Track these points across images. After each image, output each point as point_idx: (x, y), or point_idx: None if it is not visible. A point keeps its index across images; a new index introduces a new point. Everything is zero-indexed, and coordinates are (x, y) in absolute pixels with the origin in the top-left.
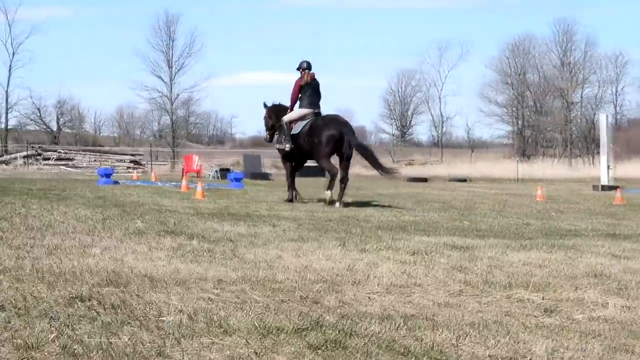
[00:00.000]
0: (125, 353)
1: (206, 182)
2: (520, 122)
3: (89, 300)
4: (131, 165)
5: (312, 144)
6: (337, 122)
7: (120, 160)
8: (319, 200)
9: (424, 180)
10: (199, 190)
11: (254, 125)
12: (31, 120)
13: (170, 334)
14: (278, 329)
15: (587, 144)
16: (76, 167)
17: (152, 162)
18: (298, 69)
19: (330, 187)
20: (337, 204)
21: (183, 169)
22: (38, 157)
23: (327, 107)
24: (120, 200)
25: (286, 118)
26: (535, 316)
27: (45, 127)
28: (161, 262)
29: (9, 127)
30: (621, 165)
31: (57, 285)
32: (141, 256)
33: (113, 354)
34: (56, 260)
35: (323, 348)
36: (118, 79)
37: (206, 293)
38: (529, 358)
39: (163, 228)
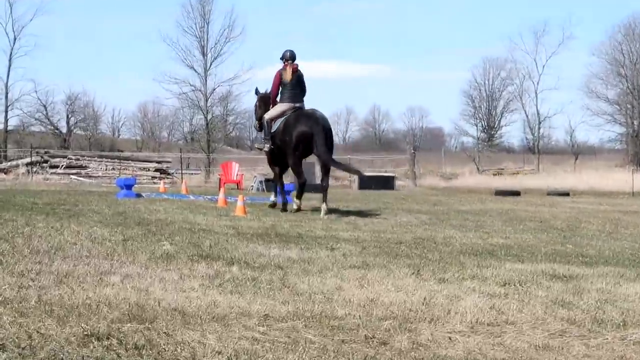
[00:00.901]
0: None
1: (248, 196)
2: (636, 123)
3: (107, 339)
4: (157, 174)
5: (285, 143)
6: (310, 118)
7: (144, 169)
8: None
9: (516, 193)
10: (239, 205)
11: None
12: (36, 119)
13: None
14: None
15: None
16: (90, 177)
17: (183, 171)
18: (282, 59)
19: (298, 195)
20: (322, 212)
21: (220, 180)
22: (44, 164)
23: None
24: (144, 217)
25: (267, 115)
26: None
27: (52, 128)
28: (195, 293)
29: (9, 127)
30: None
31: (68, 320)
32: (170, 286)
33: None
34: (67, 291)
35: None
36: (141, 70)
37: (250, 331)
38: None
39: (197, 251)
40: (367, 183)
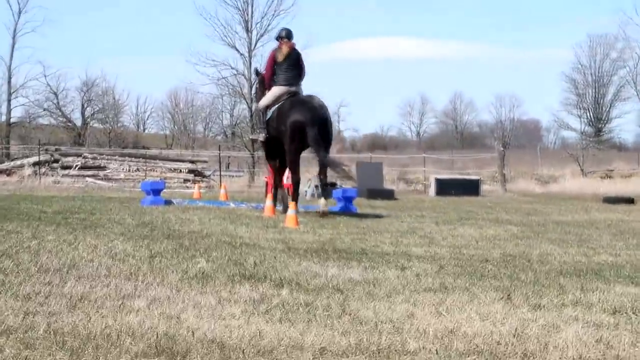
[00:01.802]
0: None
1: (301, 203)
2: None
3: None
4: (190, 177)
5: (280, 133)
6: (305, 106)
7: (175, 170)
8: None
9: (629, 201)
10: (290, 214)
11: (371, 117)
12: (44, 110)
13: None
14: None
15: None
16: (110, 180)
17: (222, 173)
18: (277, 38)
19: (294, 197)
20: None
21: (267, 184)
22: (54, 164)
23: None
24: (175, 228)
25: (261, 102)
26: None
27: (64, 120)
28: (236, 322)
29: (12, 120)
30: None
31: (83, 354)
32: (206, 312)
33: None
34: (82, 318)
35: None
36: (171, 50)
37: None
38: None
39: (238, 270)
40: (445, 188)
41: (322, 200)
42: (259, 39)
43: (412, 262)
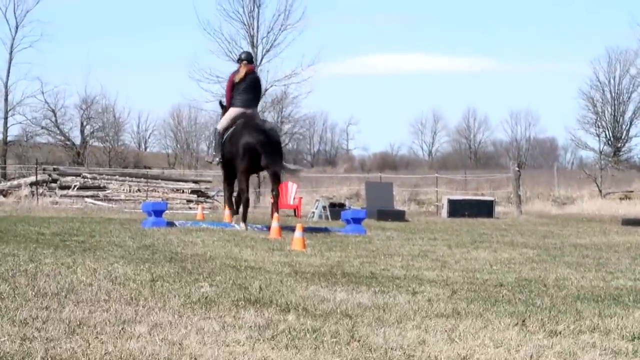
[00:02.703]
0: None
1: (309, 224)
2: None
3: None
4: (194, 197)
5: (232, 155)
6: (257, 129)
7: (177, 190)
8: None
9: None
10: (297, 236)
11: (381, 135)
12: (42, 128)
13: None
14: None
15: None
16: (110, 201)
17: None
18: (237, 60)
19: (243, 217)
20: (241, 225)
21: (273, 204)
22: (52, 184)
23: (496, 108)
24: (177, 251)
25: (219, 124)
26: None
27: (63, 139)
28: (240, 348)
29: (9, 138)
30: None
31: None
32: (210, 338)
33: None
34: (81, 344)
35: None
36: (173, 66)
37: None
38: None
39: (243, 295)
40: (458, 209)
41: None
42: (265, 55)
43: (423, 286)
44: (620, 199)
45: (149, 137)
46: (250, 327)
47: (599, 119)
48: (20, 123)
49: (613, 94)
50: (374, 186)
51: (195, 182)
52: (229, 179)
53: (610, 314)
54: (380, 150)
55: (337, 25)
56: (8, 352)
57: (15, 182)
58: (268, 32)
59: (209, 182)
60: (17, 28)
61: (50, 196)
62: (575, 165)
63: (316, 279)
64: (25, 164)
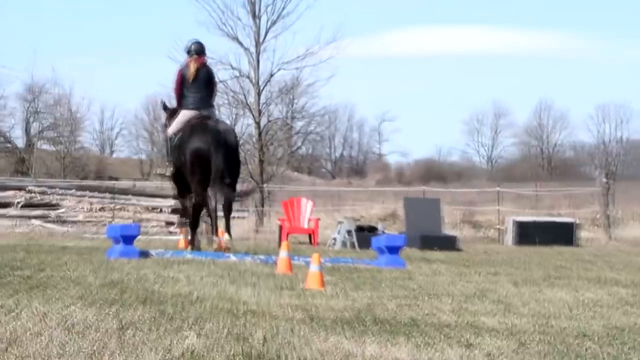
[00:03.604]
0: None
1: (328, 255)
2: None
3: None
4: (174, 218)
5: (182, 164)
6: (207, 131)
7: (154, 209)
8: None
9: None
10: (313, 271)
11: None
12: None
13: None
14: None
15: None
16: (64, 223)
17: (217, 213)
18: (187, 53)
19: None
20: (216, 238)
21: (281, 228)
22: None
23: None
24: (153, 290)
25: (170, 129)
26: None
27: (1, 140)
28: None
29: None
30: None
31: None
32: None
33: None
34: None
35: None
36: (148, 45)
37: None
38: None
39: (241, 348)
40: (528, 234)
41: (216, 238)
42: (270, 28)
43: (481, 337)
44: None
45: (115, 138)
46: None
47: None
48: None
49: None
50: (415, 204)
51: (176, 197)
52: (182, 193)
53: None
54: (423, 156)
55: None
56: None
57: None
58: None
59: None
60: None
61: None
62: None
63: (338, 328)
64: None
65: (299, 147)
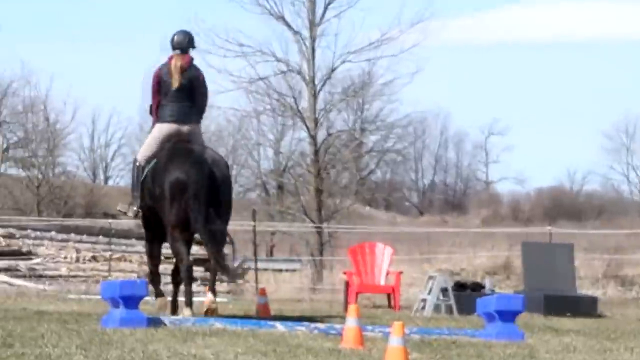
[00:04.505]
0: None
1: (414, 323)
2: None
3: None
4: (198, 271)
5: (155, 200)
6: (190, 157)
7: (167, 259)
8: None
9: None
10: (395, 345)
11: (550, 156)
12: None
13: None
14: None
15: None
16: (41, 277)
17: (257, 264)
18: (174, 48)
19: (187, 299)
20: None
21: (347, 284)
22: None
23: None
24: None
25: (140, 152)
26: None
27: None
28: None
29: None
30: None
31: None
32: None
33: None
34: None
35: None
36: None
37: None
38: None
39: None
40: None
41: (210, 295)
42: (329, 3)
43: None
44: None
45: (112, 159)
46: None
47: None
48: None
49: None
50: (537, 251)
51: (199, 242)
52: (154, 238)
53: None
54: (548, 184)
55: None
56: None
57: None
58: None
59: (226, 242)
60: None
61: None
62: None
63: None
64: None
65: (372, 171)
